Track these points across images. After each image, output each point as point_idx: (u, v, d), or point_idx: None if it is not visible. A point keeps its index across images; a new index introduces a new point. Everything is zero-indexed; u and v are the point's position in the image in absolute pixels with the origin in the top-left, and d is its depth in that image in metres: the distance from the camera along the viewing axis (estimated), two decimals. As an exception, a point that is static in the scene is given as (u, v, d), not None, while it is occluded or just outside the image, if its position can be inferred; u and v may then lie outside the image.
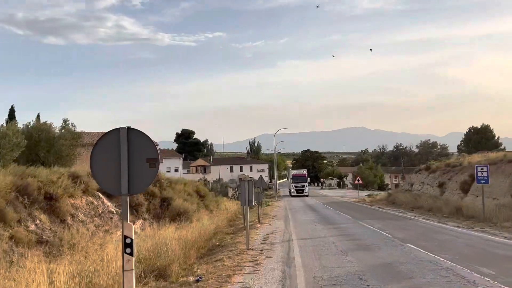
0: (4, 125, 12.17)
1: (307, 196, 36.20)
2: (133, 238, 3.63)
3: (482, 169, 12.58)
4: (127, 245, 3.57)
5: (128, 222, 3.66)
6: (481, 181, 12.61)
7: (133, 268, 3.41)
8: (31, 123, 14.04)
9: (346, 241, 9.34)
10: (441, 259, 6.51)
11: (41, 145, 13.06)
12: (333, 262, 6.66)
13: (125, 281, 3.30)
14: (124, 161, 3.53)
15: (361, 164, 64.25)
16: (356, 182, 34.03)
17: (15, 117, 21.43)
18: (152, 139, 3.71)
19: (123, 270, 3.42)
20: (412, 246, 8.15)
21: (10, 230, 5.97)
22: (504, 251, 7.40)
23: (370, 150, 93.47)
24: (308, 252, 7.98)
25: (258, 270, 6.13)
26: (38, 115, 17.92)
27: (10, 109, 23.54)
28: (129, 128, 3.53)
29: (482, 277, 5.17)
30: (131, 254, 3.58)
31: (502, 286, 4.57)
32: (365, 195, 31.59)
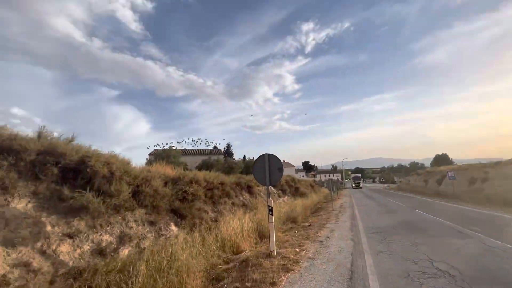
0: (237, 160, 26.87)
1: (361, 188, 60.53)
2: (272, 206, 7.25)
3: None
4: (270, 210, 7.28)
5: (270, 198, 7.36)
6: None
7: (273, 221, 6.94)
8: (248, 159, 27.64)
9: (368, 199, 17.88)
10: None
11: (250, 167, 23.92)
12: (374, 216, 12.64)
13: (270, 227, 6.90)
14: (267, 169, 7.18)
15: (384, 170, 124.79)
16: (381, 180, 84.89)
17: (245, 158, 40.68)
18: (279, 158, 7.18)
19: (269, 222, 7.03)
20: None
21: (232, 200, 12.09)
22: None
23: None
24: (360, 207, 16.02)
25: (338, 221, 11.78)
26: (253, 157, 33.66)
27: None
28: (268, 154, 7.10)
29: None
30: (272, 214, 7.25)
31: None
32: (385, 186, 67.95)
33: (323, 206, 19.11)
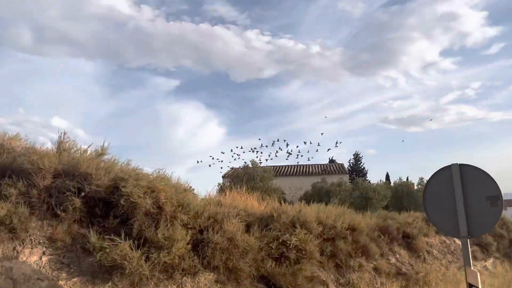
0: (376, 183, 23.98)
1: None
2: (479, 286, 3.84)
3: None
4: (471, 293, 3.85)
5: (472, 268, 3.90)
6: None
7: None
8: (397, 181, 25.28)
9: None
10: None
11: (404, 196, 21.37)
12: None
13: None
14: (460, 200, 3.82)
15: None
16: None
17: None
18: (490, 174, 3.80)
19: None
20: None
21: (374, 262, 8.90)
22: None
23: None
24: None
25: None
26: (407, 178, 29.93)
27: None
28: (461, 164, 3.84)
29: None
30: (478, 303, 3.82)
31: None
32: None
33: None
